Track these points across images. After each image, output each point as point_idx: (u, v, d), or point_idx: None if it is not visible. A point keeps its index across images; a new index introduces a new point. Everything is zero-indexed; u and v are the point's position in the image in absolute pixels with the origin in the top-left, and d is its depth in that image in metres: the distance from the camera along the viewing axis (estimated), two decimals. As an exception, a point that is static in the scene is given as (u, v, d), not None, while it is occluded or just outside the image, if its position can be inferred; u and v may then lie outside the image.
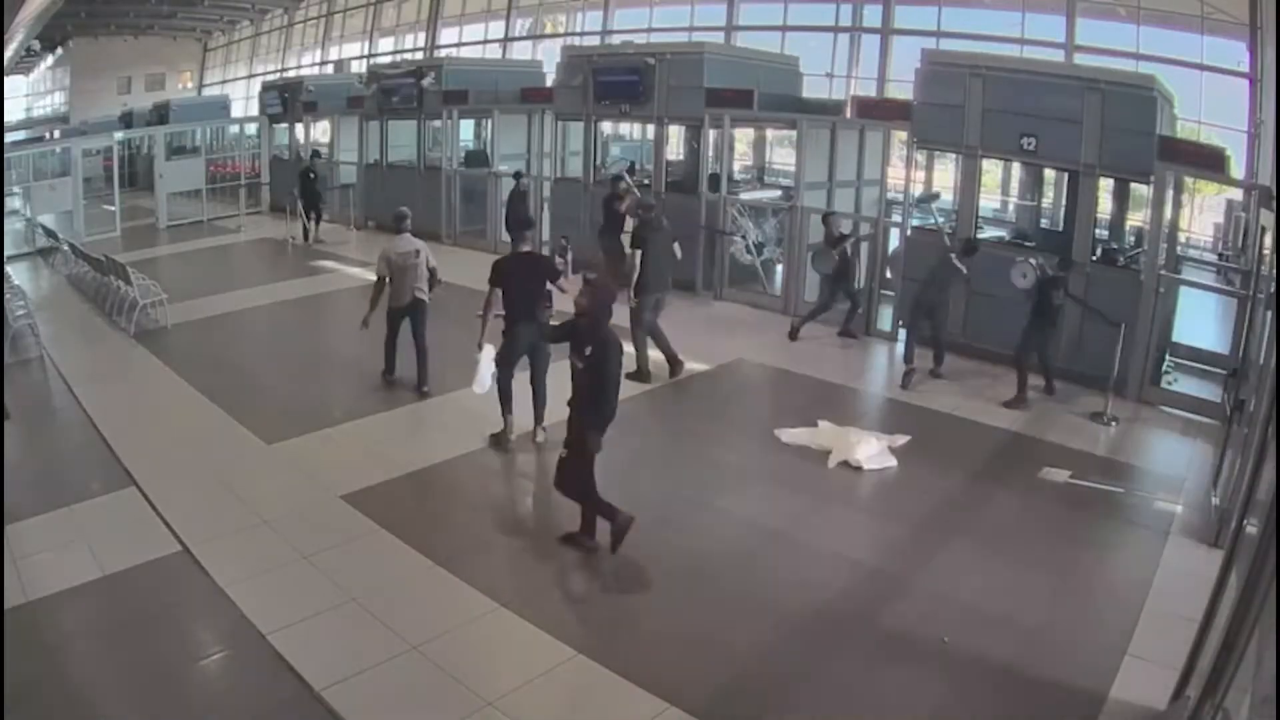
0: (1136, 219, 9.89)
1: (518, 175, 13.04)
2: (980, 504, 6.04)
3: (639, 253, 8.19)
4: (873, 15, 16.90)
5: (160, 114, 22.61)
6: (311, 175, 15.93)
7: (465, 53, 23.52)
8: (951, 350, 8.73)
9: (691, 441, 7.00)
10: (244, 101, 29.16)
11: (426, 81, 15.58)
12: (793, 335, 9.61)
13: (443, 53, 23.20)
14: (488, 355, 6.35)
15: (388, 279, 7.74)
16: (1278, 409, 3.86)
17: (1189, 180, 9.85)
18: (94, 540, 5.21)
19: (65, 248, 13.49)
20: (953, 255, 8.24)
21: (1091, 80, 8.31)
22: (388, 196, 16.31)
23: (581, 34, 21.80)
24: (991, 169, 11.79)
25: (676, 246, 8.67)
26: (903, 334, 9.32)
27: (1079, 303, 8.06)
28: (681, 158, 13.24)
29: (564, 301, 5.92)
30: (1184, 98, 10.72)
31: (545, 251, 11.97)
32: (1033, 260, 7.91)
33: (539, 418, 6.72)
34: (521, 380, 6.66)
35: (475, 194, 15.04)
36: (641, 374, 8.10)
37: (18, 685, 3.72)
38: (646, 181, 12.52)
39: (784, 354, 9.21)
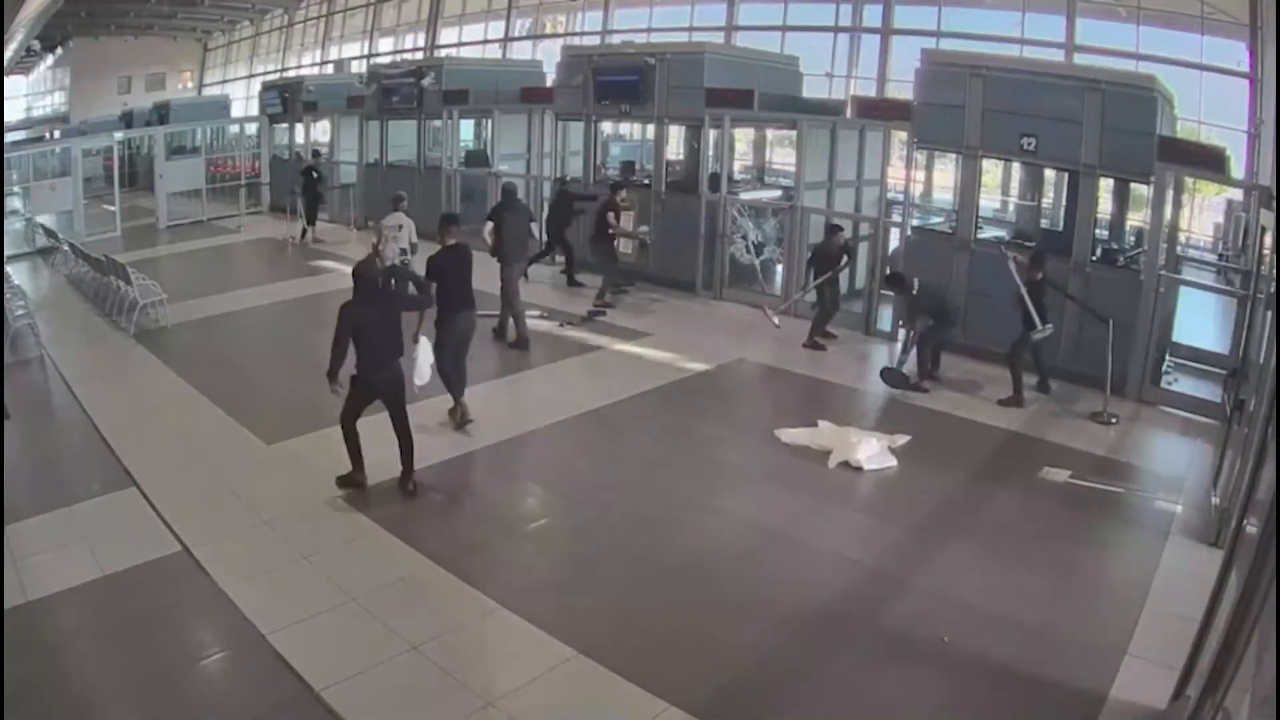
0: (1136, 219, 9.89)
1: (562, 180, 12.46)
2: (980, 504, 6.04)
3: (492, 226, 9.30)
4: (873, 15, 16.90)
5: (160, 114, 22.64)
6: (315, 175, 15.95)
7: (465, 53, 23.52)
8: (951, 350, 8.73)
9: (691, 441, 7.00)
10: (244, 101, 29.18)
11: (426, 81, 15.59)
12: (813, 346, 9.46)
13: (443, 53, 23.20)
14: (424, 347, 6.56)
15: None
16: (1278, 409, 3.86)
17: (1189, 180, 9.85)
18: (94, 540, 5.21)
19: (65, 248, 13.49)
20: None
21: (1091, 80, 8.31)
22: (388, 196, 16.30)
23: (581, 34, 21.80)
24: (991, 169, 11.79)
25: (533, 225, 9.82)
26: (901, 334, 9.32)
27: (1070, 297, 8.02)
28: (680, 157, 13.23)
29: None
30: (1184, 98, 10.71)
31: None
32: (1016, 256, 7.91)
33: (456, 396, 7.04)
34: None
35: (475, 194, 15.03)
36: (520, 341, 9.10)
37: (18, 685, 3.72)
38: (646, 181, 12.54)
39: (784, 354, 9.21)
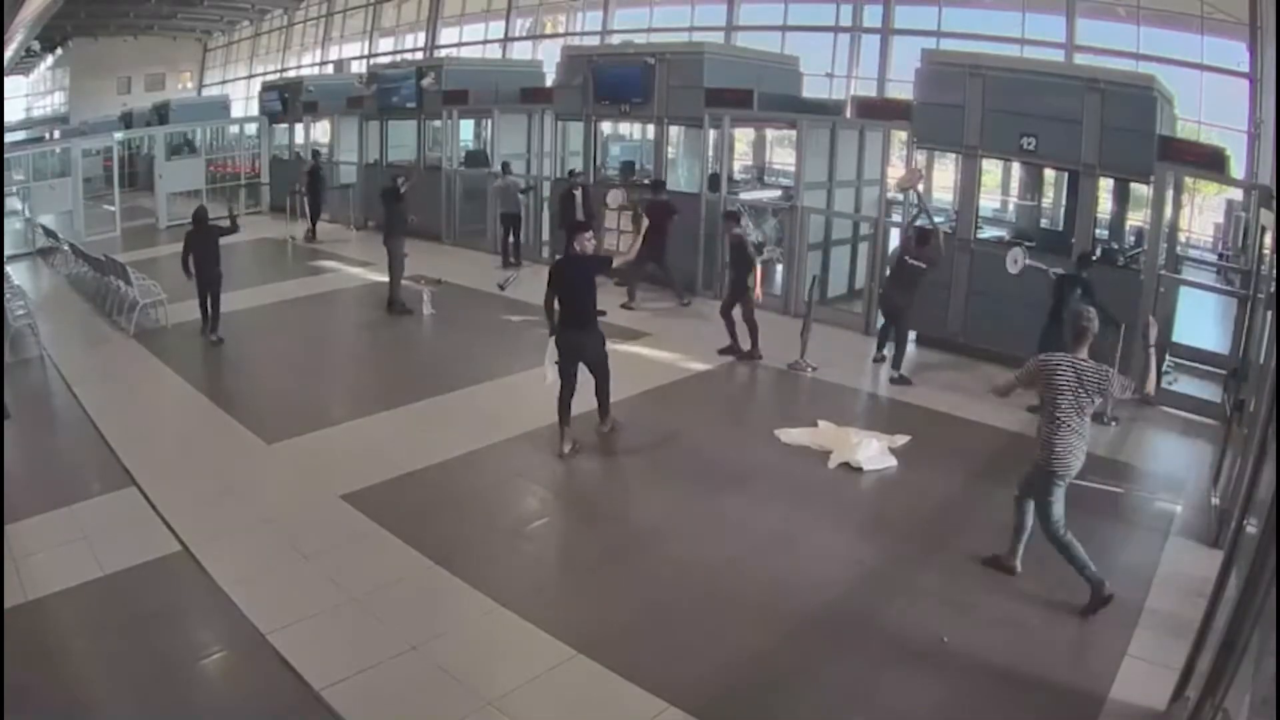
0: (1136, 219, 9.89)
1: (573, 173, 12.55)
2: (980, 504, 6.03)
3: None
4: (873, 15, 16.92)
5: (160, 114, 22.65)
6: (320, 174, 16.09)
7: (465, 53, 23.54)
8: (951, 350, 8.71)
9: (691, 442, 7.00)
10: (244, 101, 29.20)
11: (426, 81, 15.60)
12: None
13: (443, 53, 23.23)
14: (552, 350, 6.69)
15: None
16: (1278, 409, 3.86)
17: (1189, 180, 9.86)
18: (94, 540, 5.21)
19: (65, 248, 13.49)
20: (905, 256, 8.22)
21: (1091, 80, 8.31)
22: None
23: (581, 34, 21.81)
24: (991, 169, 11.79)
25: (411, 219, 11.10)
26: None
27: (1099, 308, 7.85)
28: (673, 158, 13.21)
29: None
30: (1184, 98, 10.72)
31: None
32: (1023, 245, 7.88)
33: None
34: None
35: (475, 194, 15.06)
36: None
37: (18, 685, 3.72)
38: (646, 181, 12.54)
39: (784, 354, 9.20)
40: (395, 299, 10.67)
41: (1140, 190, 8.91)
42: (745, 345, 8.96)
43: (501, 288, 10.61)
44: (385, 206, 11.06)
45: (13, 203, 16.33)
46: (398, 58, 23.76)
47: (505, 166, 13.60)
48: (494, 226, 14.21)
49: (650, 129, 12.71)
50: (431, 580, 4.88)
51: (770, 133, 14.85)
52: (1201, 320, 10.05)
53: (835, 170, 11.81)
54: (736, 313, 8.91)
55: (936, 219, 9.39)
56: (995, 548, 5.13)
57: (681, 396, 8.08)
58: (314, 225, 16.05)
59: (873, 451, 6.53)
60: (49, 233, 14.91)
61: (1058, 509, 4.62)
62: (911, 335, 9.29)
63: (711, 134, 11.86)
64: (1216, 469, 6.12)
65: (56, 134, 26.54)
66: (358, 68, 24.18)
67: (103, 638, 4.43)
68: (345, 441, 6.86)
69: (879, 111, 11.29)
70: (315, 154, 17.49)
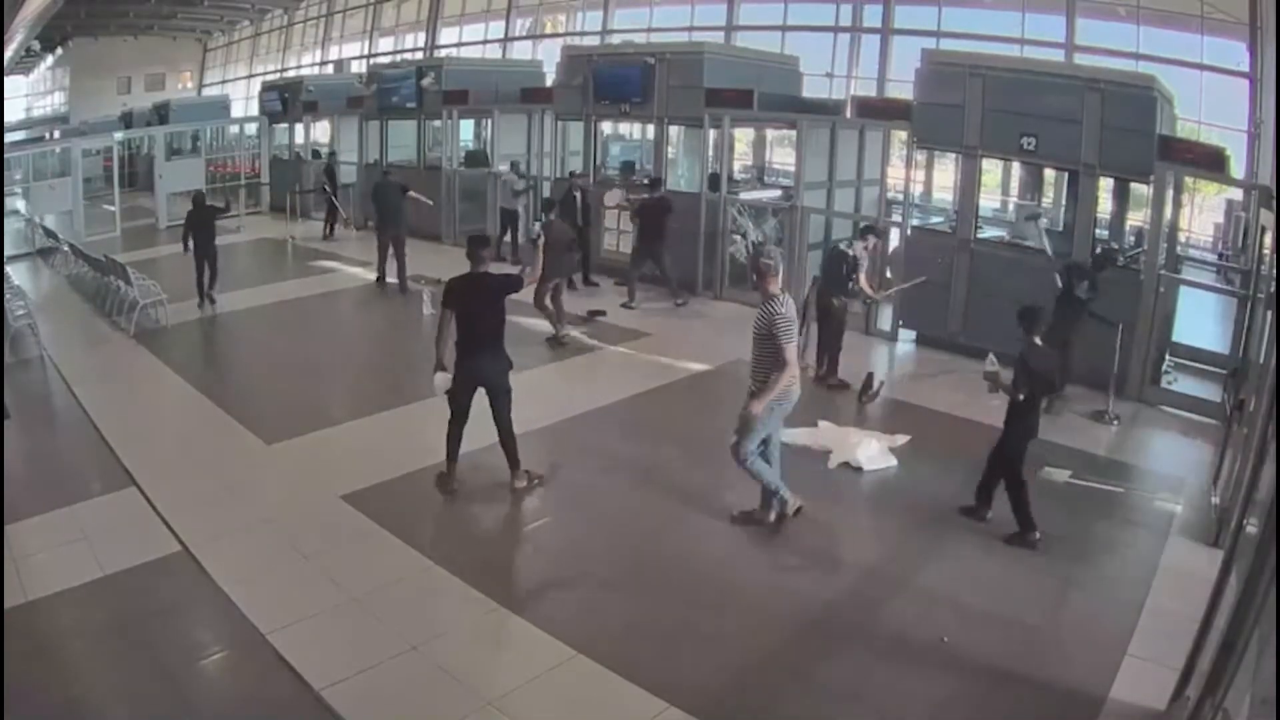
0: (1136, 219, 9.88)
1: (573, 174, 12.36)
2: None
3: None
4: (873, 15, 16.94)
5: (160, 114, 22.65)
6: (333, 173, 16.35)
7: (465, 53, 23.55)
8: (951, 350, 8.69)
9: (691, 442, 6.99)
10: (244, 101, 29.21)
11: (426, 81, 15.61)
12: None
13: (443, 53, 23.23)
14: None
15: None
16: (1278, 409, 3.86)
17: (1189, 180, 9.85)
18: (94, 540, 5.21)
19: (65, 248, 13.49)
20: (841, 244, 8.26)
21: (1091, 80, 8.31)
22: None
23: (581, 34, 21.82)
24: (991, 169, 11.79)
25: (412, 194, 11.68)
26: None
27: (1093, 315, 7.60)
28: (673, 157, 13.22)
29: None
30: (1184, 98, 10.71)
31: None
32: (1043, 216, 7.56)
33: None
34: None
35: (475, 194, 15.06)
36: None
37: (18, 685, 3.72)
38: (646, 180, 12.54)
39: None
40: (401, 281, 11.41)
41: (1140, 190, 8.91)
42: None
43: None
44: (389, 202, 11.09)
45: (13, 203, 16.34)
46: (398, 58, 23.78)
47: (514, 165, 13.73)
48: (492, 221, 14.25)
49: (650, 129, 12.71)
50: (431, 580, 4.88)
51: (770, 133, 14.84)
52: (1201, 320, 10.04)
53: (835, 170, 11.81)
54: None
55: (935, 219, 9.42)
56: (995, 547, 5.14)
57: (680, 396, 8.08)
58: (334, 223, 16.19)
59: (873, 451, 6.53)
60: (49, 233, 14.89)
61: (752, 439, 5.36)
62: (911, 334, 9.30)
63: (711, 134, 11.86)
64: (1216, 469, 6.12)
65: (56, 134, 26.56)
66: (358, 68, 24.18)
67: (103, 638, 4.43)
68: (345, 441, 6.87)
69: (879, 111, 11.29)
70: (323, 154, 17.57)
